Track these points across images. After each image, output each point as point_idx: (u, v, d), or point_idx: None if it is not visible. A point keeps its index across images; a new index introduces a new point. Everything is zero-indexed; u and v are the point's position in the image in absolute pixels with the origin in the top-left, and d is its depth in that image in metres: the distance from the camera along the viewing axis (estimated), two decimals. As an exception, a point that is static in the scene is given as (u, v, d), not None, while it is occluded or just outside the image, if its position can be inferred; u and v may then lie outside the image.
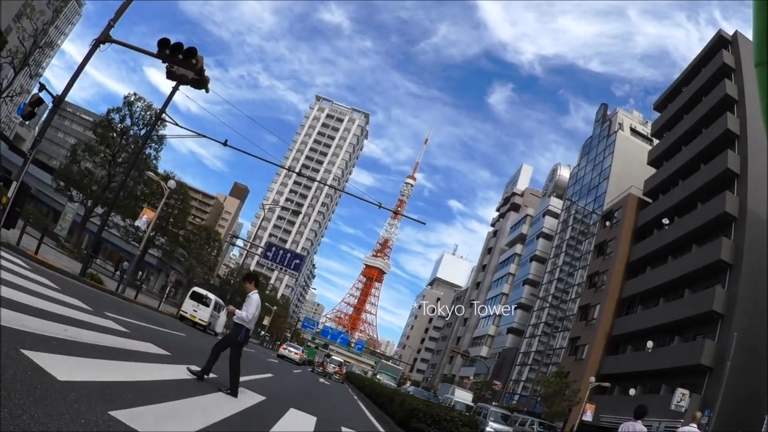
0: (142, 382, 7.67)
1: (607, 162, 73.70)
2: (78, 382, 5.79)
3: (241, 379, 11.77)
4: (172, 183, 40.40)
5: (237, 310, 11.37)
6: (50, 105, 21.59)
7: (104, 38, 21.33)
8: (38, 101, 20.44)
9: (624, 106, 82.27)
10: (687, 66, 60.31)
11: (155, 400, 6.81)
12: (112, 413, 5.26)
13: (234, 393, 10.31)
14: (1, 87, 36.89)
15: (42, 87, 20.82)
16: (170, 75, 19.76)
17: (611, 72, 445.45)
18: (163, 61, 19.08)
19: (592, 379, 45.57)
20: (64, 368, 5.99)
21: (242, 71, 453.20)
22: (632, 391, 44.64)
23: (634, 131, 77.07)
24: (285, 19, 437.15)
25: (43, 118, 20.74)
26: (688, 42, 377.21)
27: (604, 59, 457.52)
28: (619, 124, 76.32)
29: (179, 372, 10.23)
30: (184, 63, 18.72)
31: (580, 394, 47.02)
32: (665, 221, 52.36)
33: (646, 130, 74.42)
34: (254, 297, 11.32)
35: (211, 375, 10.79)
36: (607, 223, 65.28)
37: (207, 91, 20.72)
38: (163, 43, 18.62)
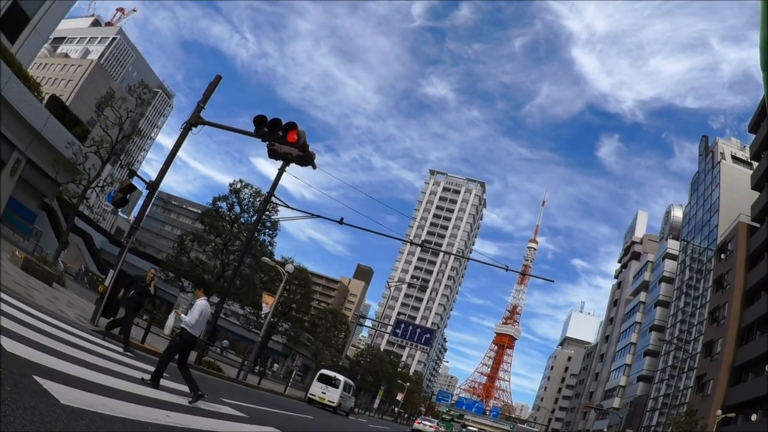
0: None
1: (715, 194, 72.50)
2: None
3: None
4: (290, 267, 40.58)
5: (182, 315, 11.91)
6: (144, 191, 21.13)
7: (195, 120, 20.37)
8: (130, 187, 19.93)
9: (722, 137, 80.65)
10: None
11: None
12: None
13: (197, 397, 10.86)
14: (89, 178, 38.60)
15: (132, 173, 21.38)
16: (272, 153, 18.76)
17: (706, 106, 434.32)
18: (263, 140, 18.01)
19: (719, 412, 44.86)
20: None
21: (354, 154, 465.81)
22: (754, 417, 43.46)
23: (735, 158, 75.46)
24: (389, 97, 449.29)
25: (139, 207, 19.83)
26: None
27: (698, 94, 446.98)
28: (721, 153, 75.07)
29: None
30: (285, 139, 17.47)
31: (708, 429, 46.23)
32: (774, 242, 51.37)
33: (746, 154, 72.88)
34: (200, 302, 11.70)
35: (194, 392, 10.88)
36: (722, 256, 64.05)
37: (314, 167, 19.54)
38: (260, 120, 17.48)
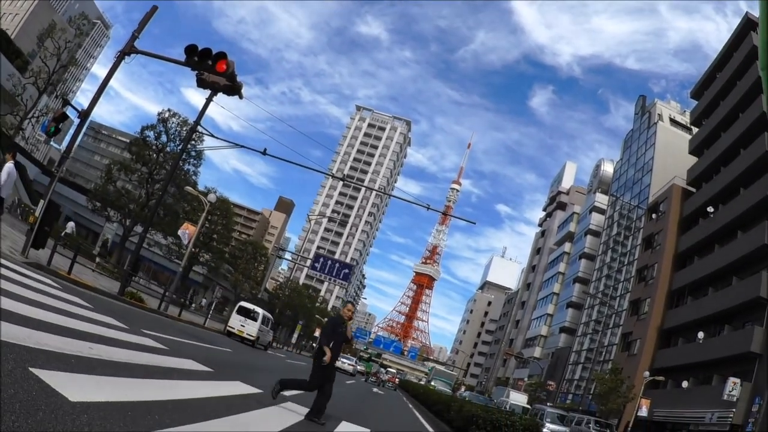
0: (175, 401, 7.01)
1: (649, 154, 73.21)
2: (95, 402, 5.25)
3: (290, 393, 11.88)
4: (212, 197, 40.91)
5: None
6: (77, 121, 21.25)
7: (129, 49, 20.75)
8: (62, 116, 19.90)
9: (662, 100, 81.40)
10: (719, 51, 59.74)
11: (187, 419, 6.20)
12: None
13: None
14: (26, 108, 37.21)
15: (66, 102, 20.70)
16: (201, 83, 19.05)
17: (647, 68, 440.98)
18: (192, 69, 18.40)
19: (647, 373, 45.54)
20: (79, 388, 5.49)
21: (283, 87, 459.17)
22: (685, 384, 44.30)
23: (673, 121, 76.32)
24: (323, 33, 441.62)
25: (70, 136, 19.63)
26: (718, 34, 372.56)
27: (640, 56, 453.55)
28: (659, 115, 75.69)
29: (220, 389, 9.75)
30: (215, 69, 18.03)
31: (635, 390, 47.02)
32: (710, 209, 51.95)
33: (685, 119, 73.64)
34: (7, 165, 12.93)
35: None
36: (653, 216, 64.88)
37: (240, 97, 20.18)
38: (191, 49, 17.94)
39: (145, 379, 7.75)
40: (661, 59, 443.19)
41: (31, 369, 5.32)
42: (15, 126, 38.23)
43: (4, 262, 13.32)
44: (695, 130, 64.65)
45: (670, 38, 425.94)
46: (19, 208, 51.17)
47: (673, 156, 66.86)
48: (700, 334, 43.98)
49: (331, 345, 10.09)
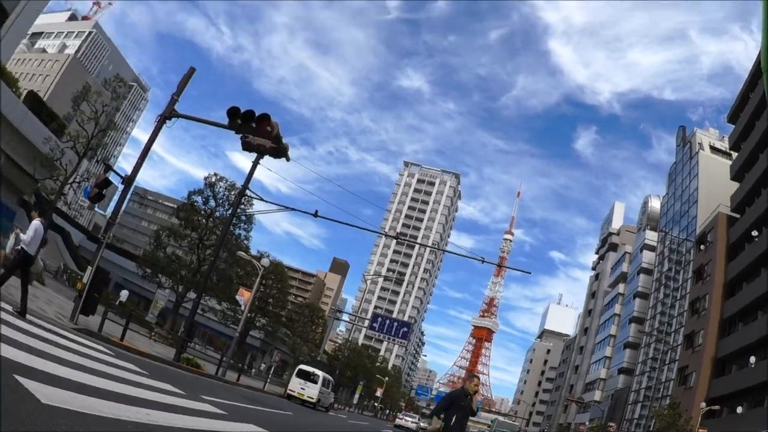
0: None
1: (693, 185, 72.27)
2: None
3: None
4: (265, 261, 39.97)
5: (21, 234, 13.10)
6: (120, 186, 20.66)
7: (170, 113, 20.31)
8: (105, 182, 19.42)
9: (700, 128, 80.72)
10: (749, 71, 59.16)
11: None
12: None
13: (23, 312, 12.00)
14: (66, 173, 37.95)
15: (108, 168, 20.70)
16: (246, 146, 18.56)
17: (684, 98, 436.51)
18: (236, 132, 17.85)
19: (703, 404, 44.52)
20: None
21: (329, 147, 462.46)
22: (739, 409, 43.06)
23: (713, 149, 75.29)
24: (364, 89, 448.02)
25: (115, 202, 19.43)
26: (747, 53, 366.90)
27: (675, 86, 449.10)
28: (699, 144, 74.87)
29: None
30: (259, 131, 17.41)
31: (692, 422, 45.83)
32: (755, 233, 50.97)
33: (725, 145, 72.69)
34: (34, 223, 13.04)
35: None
36: (702, 247, 63.76)
37: (288, 159, 19.67)
38: (233, 112, 17.23)
39: None
40: (696, 86, 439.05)
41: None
42: (56, 191, 39.25)
43: (52, 327, 13.60)
44: (735, 154, 63.71)
45: (703, 63, 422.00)
46: (65, 274, 51.98)
47: (716, 184, 65.79)
48: (752, 359, 42.85)
49: (453, 418, 9.73)
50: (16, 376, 6.23)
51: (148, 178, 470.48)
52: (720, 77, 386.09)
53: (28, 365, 7.21)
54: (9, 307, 12.85)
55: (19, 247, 13.01)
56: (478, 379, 10.82)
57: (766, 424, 35.72)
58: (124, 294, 43.44)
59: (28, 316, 13.08)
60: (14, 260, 13.07)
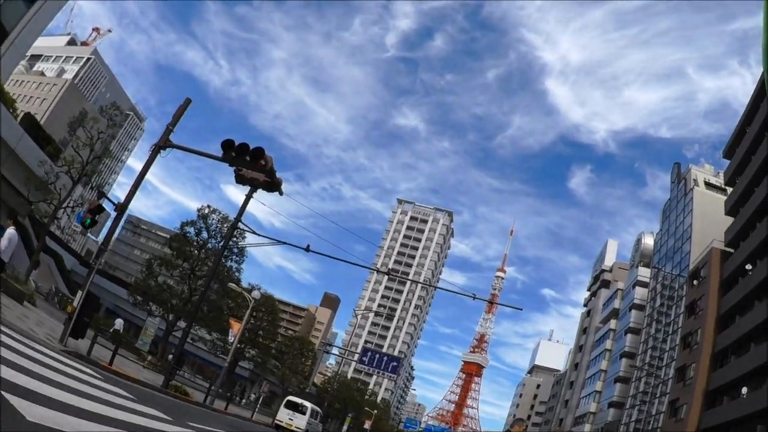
0: None
1: (687, 221, 72.80)
2: None
3: None
4: (256, 294, 40.82)
5: None
6: (113, 213, 20.95)
7: (164, 143, 20.59)
8: (98, 208, 19.80)
9: (695, 165, 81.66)
10: (747, 104, 59.90)
11: None
12: None
13: None
14: (60, 197, 38.03)
15: (101, 194, 21.15)
16: (240, 179, 18.71)
17: (680, 135, 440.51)
18: (230, 165, 17.94)
19: (693, 437, 44.51)
20: None
21: (323, 183, 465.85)
22: (731, 440, 43.13)
23: (708, 184, 76.01)
24: (360, 127, 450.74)
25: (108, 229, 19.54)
26: (744, 88, 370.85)
27: (671, 124, 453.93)
28: (694, 180, 75.57)
29: None
30: (253, 165, 17.59)
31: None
32: (748, 267, 51.36)
33: (720, 180, 73.44)
34: (9, 231, 13.42)
35: None
36: (695, 282, 64.10)
37: (281, 193, 19.71)
38: (228, 144, 17.34)
39: None
40: (693, 123, 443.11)
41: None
42: (49, 214, 39.44)
43: (41, 348, 13.79)
44: (730, 190, 64.25)
45: (700, 100, 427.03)
46: (57, 297, 51.85)
47: (710, 220, 66.38)
48: (744, 390, 43.10)
49: None
50: (2, 392, 6.30)
51: (142, 208, 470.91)
52: (717, 113, 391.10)
53: (15, 382, 7.26)
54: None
55: None
56: (523, 421, 10.87)
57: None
58: (118, 322, 43.23)
59: (17, 336, 13.32)
60: None
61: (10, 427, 5.09)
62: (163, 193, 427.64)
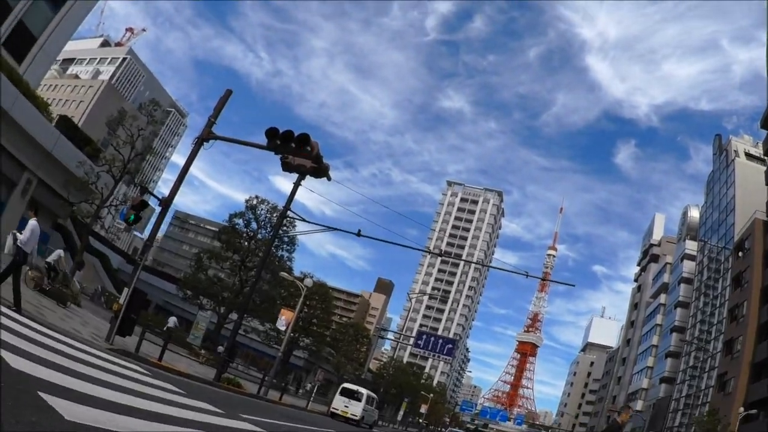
0: None
1: (730, 193, 72.17)
2: None
3: None
4: (308, 281, 39.45)
5: (18, 234, 13.80)
6: (158, 209, 20.44)
7: (207, 135, 19.95)
8: (141, 204, 19.18)
9: (735, 136, 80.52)
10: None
11: None
12: None
13: (18, 309, 12.75)
14: (102, 197, 38.34)
15: (144, 190, 20.66)
16: (286, 166, 18.21)
17: (719, 107, 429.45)
18: (275, 153, 17.55)
19: (741, 409, 44.51)
20: None
21: (373, 169, 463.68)
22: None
23: (749, 155, 75.09)
24: (406, 111, 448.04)
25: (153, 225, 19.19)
26: None
27: (711, 96, 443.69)
28: (735, 151, 74.76)
29: None
30: (299, 151, 17.16)
31: (731, 427, 45.86)
32: (788, 237, 50.97)
33: (759, 151, 72.44)
34: (31, 222, 13.65)
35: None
36: (740, 254, 63.60)
37: (329, 178, 19.33)
38: (272, 133, 17.05)
39: None
40: (730, 95, 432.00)
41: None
42: (92, 214, 39.72)
43: (86, 348, 13.41)
44: (768, 160, 63.59)
45: (735, 72, 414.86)
46: (103, 296, 52.12)
47: (753, 190, 65.53)
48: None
49: None
50: (41, 393, 6.06)
51: (189, 203, 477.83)
52: (751, 84, 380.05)
53: (55, 383, 7.01)
54: (11, 313, 12.55)
55: (16, 247, 13.71)
56: (629, 408, 11.46)
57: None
58: (172, 320, 42.70)
59: (58, 335, 13.05)
60: (15, 261, 13.63)
61: (46, 427, 4.90)
62: (211, 187, 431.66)
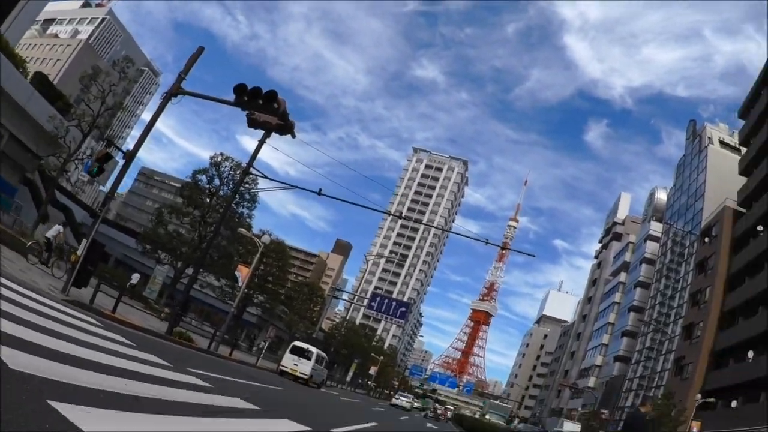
0: None
1: (700, 179, 72.25)
2: None
3: (341, 429, 12.48)
4: (266, 238, 39.95)
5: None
6: (121, 161, 20.69)
7: (176, 90, 20.11)
8: (105, 156, 19.47)
9: (711, 124, 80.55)
10: (763, 66, 58.93)
11: None
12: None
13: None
14: (70, 151, 38.09)
15: (110, 143, 20.89)
16: (252, 123, 18.55)
17: (696, 95, 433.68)
18: (242, 109, 17.90)
19: (698, 396, 44.59)
20: (96, 421, 5.17)
21: (341, 133, 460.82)
22: (734, 403, 43.25)
23: (723, 143, 75.16)
24: (379, 78, 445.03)
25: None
26: (759, 53, 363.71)
27: (689, 83, 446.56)
28: (709, 138, 74.75)
29: (264, 426, 9.45)
30: (266, 108, 17.41)
31: (686, 413, 46.00)
32: (760, 228, 50.93)
33: (734, 140, 72.60)
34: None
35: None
36: (706, 240, 63.75)
37: (293, 136, 19.47)
38: (240, 89, 17.28)
39: (180, 416, 7.14)
40: (709, 84, 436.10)
41: (50, 402, 5.04)
42: (58, 167, 39.26)
43: (41, 299, 13.28)
44: (744, 150, 63.57)
45: (717, 62, 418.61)
46: (65, 250, 51.68)
47: (724, 179, 65.76)
48: (750, 353, 42.99)
49: None
50: None
51: (158, 161, 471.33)
52: (732, 76, 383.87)
53: (4, 331, 6.94)
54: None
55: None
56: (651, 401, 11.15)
57: (764, 420, 35.92)
58: (135, 277, 42.20)
59: (16, 287, 12.84)
60: None
61: None
62: (179, 145, 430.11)
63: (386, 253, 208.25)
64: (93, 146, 46.74)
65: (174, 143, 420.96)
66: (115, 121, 49.74)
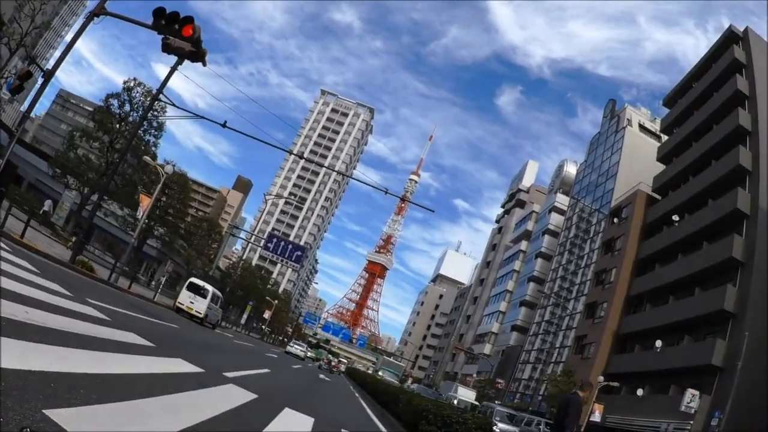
0: (105, 375, 6.40)
1: (614, 158, 72.69)
2: (13, 370, 4.75)
3: (234, 374, 12.01)
4: (169, 168, 40.24)
5: None
6: (40, 80, 20.80)
7: (99, 10, 20.56)
8: (27, 74, 19.56)
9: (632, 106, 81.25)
10: (698, 61, 59.41)
11: (114, 396, 5.56)
12: (47, 412, 4.17)
13: None
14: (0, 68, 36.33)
15: (32, 60, 20.63)
16: (166, 47, 18.59)
17: (619, 76, 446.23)
18: (159, 33, 18.12)
19: (601, 378, 44.73)
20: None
21: (251, 68, 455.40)
22: (640, 392, 43.78)
23: (642, 128, 75.97)
24: (296, 18, 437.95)
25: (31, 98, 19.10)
26: (696, 49, 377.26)
27: (613, 64, 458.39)
28: (628, 120, 75.26)
29: (159, 365, 9.10)
30: (181, 34, 17.84)
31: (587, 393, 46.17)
32: (675, 218, 51.37)
33: (655, 126, 73.43)
34: None
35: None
36: (615, 220, 64.24)
37: (204, 64, 19.68)
38: (159, 12, 17.82)
39: (77, 349, 7.09)
40: (635, 68, 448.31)
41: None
42: None
43: None
44: (665, 138, 64.14)
45: (646, 49, 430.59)
46: None
47: (639, 162, 66.40)
48: (658, 343, 43.36)
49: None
50: None
51: (75, 84, 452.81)
52: (661, 65, 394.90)
53: None
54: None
55: None
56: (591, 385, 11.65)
57: (672, 412, 36.13)
58: (47, 203, 42.10)
59: None
60: None
61: None
62: (97, 69, 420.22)
63: (286, 193, 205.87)
64: (18, 65, 46.21)
65: (92, 67, 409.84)
66: (41, 41, 47.55)
